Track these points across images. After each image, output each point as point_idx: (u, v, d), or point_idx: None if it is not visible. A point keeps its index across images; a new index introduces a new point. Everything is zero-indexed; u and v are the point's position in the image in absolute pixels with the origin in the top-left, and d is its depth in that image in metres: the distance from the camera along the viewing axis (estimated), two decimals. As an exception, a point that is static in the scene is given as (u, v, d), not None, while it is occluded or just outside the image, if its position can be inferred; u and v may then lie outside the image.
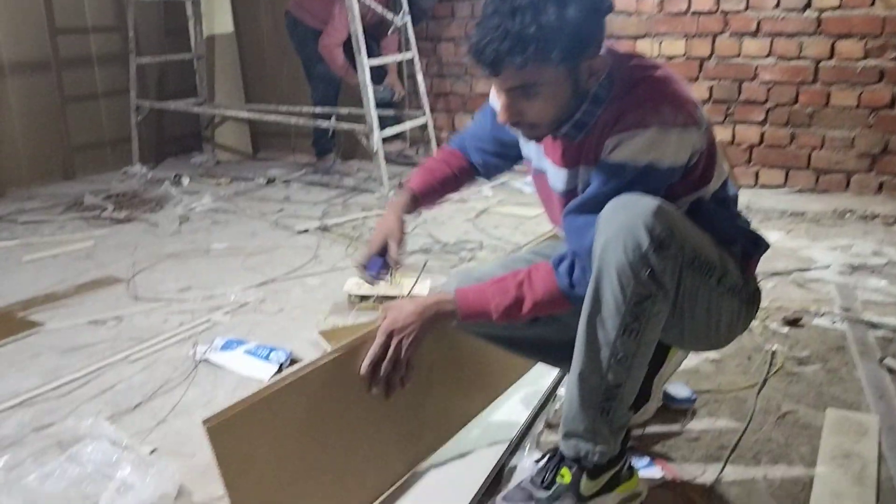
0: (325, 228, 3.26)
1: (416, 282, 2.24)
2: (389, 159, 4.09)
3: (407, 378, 1.31)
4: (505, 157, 1.57)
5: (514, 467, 1.49)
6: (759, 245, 1.38)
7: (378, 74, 4.02)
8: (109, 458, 1.54)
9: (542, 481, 1.33)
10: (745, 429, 1.61)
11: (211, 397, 1.83)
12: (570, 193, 1.33)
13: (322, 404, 1.22)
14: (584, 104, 1.26)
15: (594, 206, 1.22)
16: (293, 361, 2.00)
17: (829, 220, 3.11)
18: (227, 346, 2.05)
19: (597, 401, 1.26)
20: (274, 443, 1.14)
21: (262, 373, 1.93)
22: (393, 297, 2.29)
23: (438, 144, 4.19)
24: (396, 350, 1.28)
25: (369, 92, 3.72)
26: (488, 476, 1.42)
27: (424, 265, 2.30)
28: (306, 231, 3.24)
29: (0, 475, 1.48)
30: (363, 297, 2.35)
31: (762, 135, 3.54)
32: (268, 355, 1.98)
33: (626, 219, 1.17)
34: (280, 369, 1.96)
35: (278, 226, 3.36)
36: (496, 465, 1.46)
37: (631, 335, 1.21)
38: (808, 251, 2.74)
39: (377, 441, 1.34)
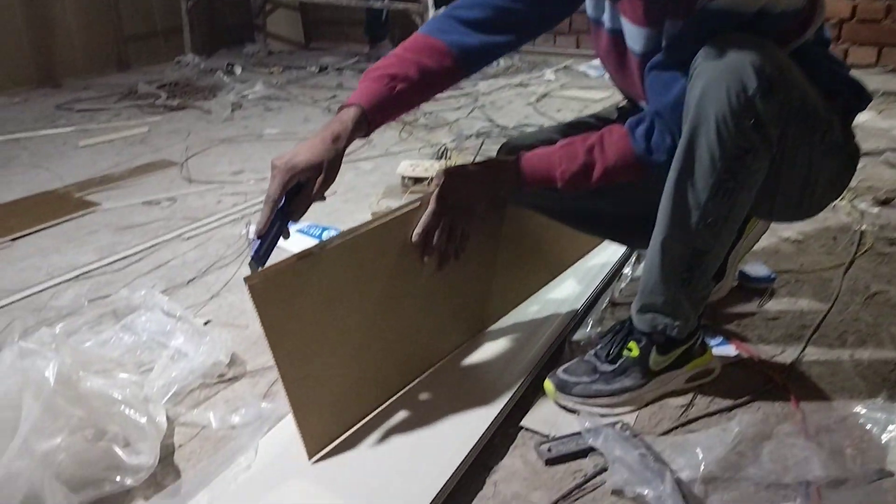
0: (379, 114, 3.15)
1: (473, 160, 2.13)
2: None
3: (461, 249, 1.22)
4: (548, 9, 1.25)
5: (577, 342, 1.42)
6: (863, 98, 1.21)
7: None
8: (163, 327, 1.52)
9: (608, 355, 1.25)
10: (830, 309, 1.49)
11: (264, 273, 1.79)
12: (650, 55, 1.18)
13: (371, 270, 1.14)
14: None
15: (685, 60, 1.07)
16: (347, 240, 1.94)
17: (925, 100, 2.85)
18: (279, 225, 2.00)
19: (679, 270, 1.16)
20: (320, 304, 1.08)
21: (315, 250, 1.88)
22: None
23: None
24: (451, 218, 1.18)
25: (424, -31, 3.51)
26: (548, 349, 1.35)
27: (481, 146, 2.19)
28: (360, 116, 3.13)
29: (57, 340, 1.47)
30: (417, 180, 2.25)
31: (854, 8, 3.21)
32: (320, 234, 1.93)
33: (730, 59, 1.02)
34: (333, 247, 1.90)
35: (330, 112, 3.26)
36: (557, 338, 1.38)
37: (724, 196, 1.08)
38: (902, 132, 2.51)
39: (430, 312, 1.27)
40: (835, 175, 1.19)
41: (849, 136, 1.20)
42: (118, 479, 1.07)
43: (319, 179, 1.07)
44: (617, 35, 1.24)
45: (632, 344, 1.24)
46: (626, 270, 1.68)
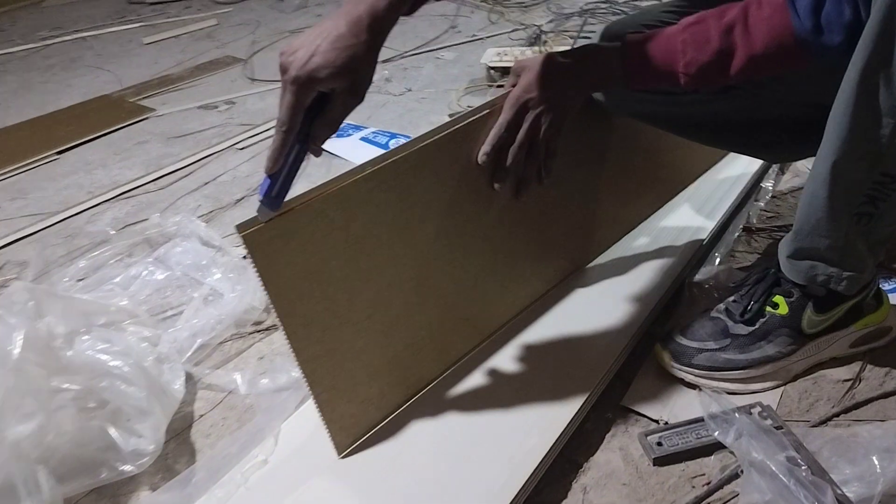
0: (465, -7, 2.76)
1: (573, 43, 1.76)
2: None
3: (546, 171, 0.90)
4: None
5: (699, 285, 1.09)
6: None
7: None
8: (199, 260, 1.30)
9: (744, 312, 0.92)
10: None
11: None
12: None
13: (422, 203, 0.85)
14: None
15: None
16: (417, 148, 1.64)
17: None
18: (341, 132, 1.72)
19: (856, 203, 0.80)
20: (350, 255, 0.80)
21: (380, 162, 1.60)
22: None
23: None
24: (532, 129, 0.86)
25: None
26: (660, 299, 1.03)
27: (582, 27, 1.81)
28: (443, -2, 2.76)
29: (81, 274, 1.29)
30: (505, 71, 1.90)
31: None
32: (387, 142, 1.64)
33: None
34: (401, 157, 1.61)
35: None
36: (673, 282, 1.06)
37: None
38: None
39: (501, 257, 0.97)
40: None
41: None
42: (116, 464, 0.87)
43: (344, 88, 0.71)
44: None
45: (778, 298, 0.91)
46: (766, 184, 1.31)
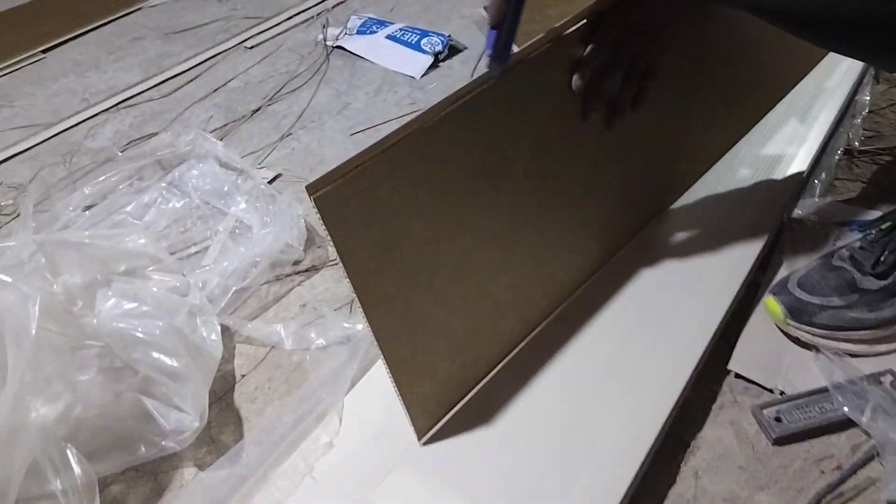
0: None
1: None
2: None
3: (644, 94, 0.76)
4: None
5: (799, 220, 0.96)
6: None
7: None
8: (220, 185, 1.15)
9: (876, 263, 0.79)
10: None
11: (346, 101, 1.36)
12: None
13: (509, 140, 0.70)
14: None
15: None
16: (452, 50, 1.46)
17: None
18: (364, 29, 1.53)
19: None
20: (430, 210, 0.65)
21: (411, 65, 1.42)
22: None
23: None
24: (638, 52, 0.72)
25: None
26: (767, 239, 0.90)
27: None
28: None
29: (88, 201, 1.14)
30: (545, -46, 1.68)
31: None
32: (418, 42, 1.45)
33: None
34: (436, 62, 1.43)
35: None
36: (776, 222, 0.92)
37: None
38: None
39: (590, 198, 0.82)
40: None
41: None
42: (156, 439, 0.77)
43: None
44: None
45: (917, 248, 0.78)
46: (863, 97, 1.15)
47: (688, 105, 0.91)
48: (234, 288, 0.96)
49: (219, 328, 0.89)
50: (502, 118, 0.68)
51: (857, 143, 1.07)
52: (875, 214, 0.97)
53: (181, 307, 0.87)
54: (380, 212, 0.60)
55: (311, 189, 0.57)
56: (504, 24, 0.68)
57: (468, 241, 0.69)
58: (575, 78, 0.72)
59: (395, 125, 1.28)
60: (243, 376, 0.88)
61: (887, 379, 0.75)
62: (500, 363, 0.77)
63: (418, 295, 0.65)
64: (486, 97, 0.66)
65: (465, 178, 0.67)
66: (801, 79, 1.14)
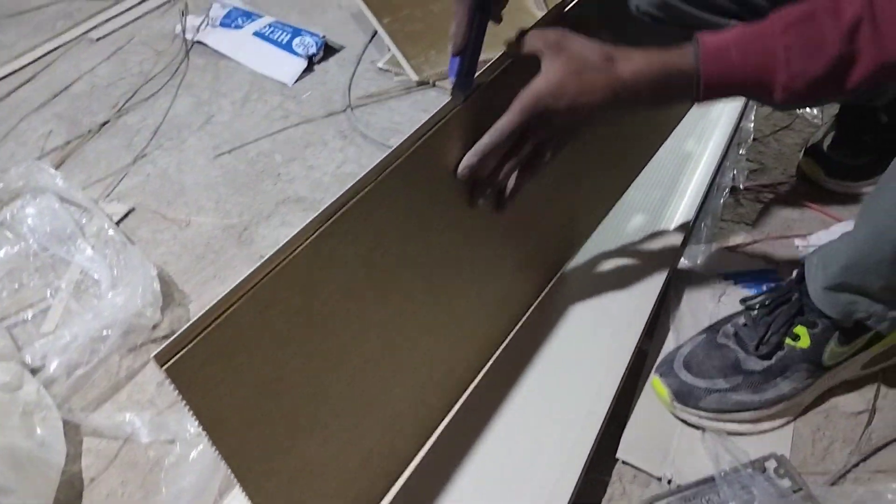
0: None
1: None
2: None
3: (532, 176, 0.69)
4: None
5: (687, 272, 0.94)
6: None
7: None
8: (61, 228, 1.01)
9: (759, 344, 0.78)
10: None
11: (210, 112, 1.23)
12: None
13: (396, 241, 0.61)
14: None
15: None
16: (328, 50, 1.34)
17: None
18: (229, 21, 1.37)
19: None
20: (314, 339, 0.56)
21: (282, 70, 1.29)
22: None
23: None
24: (540, 150, 0.65)
25: None
26: (654, 304, 0.87)
27: None
28: None
29: None
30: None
31: None
32: (290, 42, 1.31)
33: None
34: (310, 65, 1.31)
35: None
36: (662, 285, 0.89)
37: None
38: None
39: (484, 281, 0.76)
40: None
41: None
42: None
43: None
44: None
45: (800, 329, 0.77)
46: (748, 123, 1.13)
47: (576, 165, 0.85)
48: (78, 370, 0.84)
49: (61, 424, 0.78)
50: (383, 221, 0.60)
51: (741, 180, 1.05)
52: (758, 263, 0.97)
53: (13, 408, 0.76)
54: (247, 365, 0.52)
55: (161, 358, 0.47)
56: (467, 51, 0.66)
57: (356, 362, 0.61)
58: (462, 166, 0.65)
59: (265, 144, 1.18)
60: (92, 480, 0.78)
61: (771, 465, 0.75)
62: (398, 477, 0.71)
63: (301, 441, 0.58)
64: (371, 200, 0.57)
65: (347, 296, 0.58)
66: (686, 113, 1.11)
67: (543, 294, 0.88)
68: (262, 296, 0.52)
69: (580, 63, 0.61)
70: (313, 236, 0.54)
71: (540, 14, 0.99)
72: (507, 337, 0.83)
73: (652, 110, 0.67)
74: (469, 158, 0.64)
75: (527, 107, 0.61)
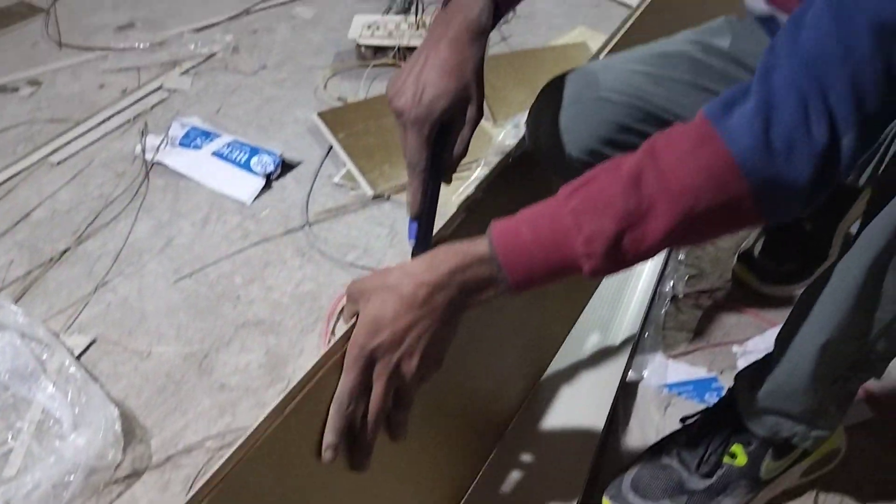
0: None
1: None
2: None
3: (398, 424, 0.63)
4: None
5: (636, 384, 0.98)
6: None
7: None
8: (21, 365, 1.03)
9: (700, 463, 0.82)
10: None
11: (170, 235, 1.26)
12: None
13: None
14: None
15: None
16: (286, 167, 1.38)
17: None
18: (188, 141, 1.42)
19: (838, 373, 0.72)
20: None
21: (241, 189, 1.33)
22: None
23: None
24: (386, 390, 0.59)
25: None
26: (602, 429, 0.91)
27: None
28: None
29: None
30: (378, 50, 1.63)
31: None
32: (248, 161, 1.36)
33: None
34: (268, 183, 1.35)
35: None
36: (610, 409, 0.93)
37: None
38: None
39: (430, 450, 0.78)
40: None
41: None
42: None
43: (470, 111, 0.70)
44: None
45: (736, 448, 0.82)
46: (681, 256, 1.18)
47: (522, 316, 0.90)
48: (40, 521, 0.85)
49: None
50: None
51: (681, 288, 1.11)
52: (700, 371, 1.02)
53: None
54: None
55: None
56: (423, 215, 0.71)
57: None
58: (324, 448, 0.59)
59: (225, 265, 1.21)
60: None
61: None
62: None
63: None
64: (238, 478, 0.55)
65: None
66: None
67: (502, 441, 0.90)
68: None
69: (385, 291, 0.59)
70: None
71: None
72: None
73: (474, 305, 0.60)
74: (328, 439, 0.59)
75: (355, 358, 0.58)
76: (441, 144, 0.70)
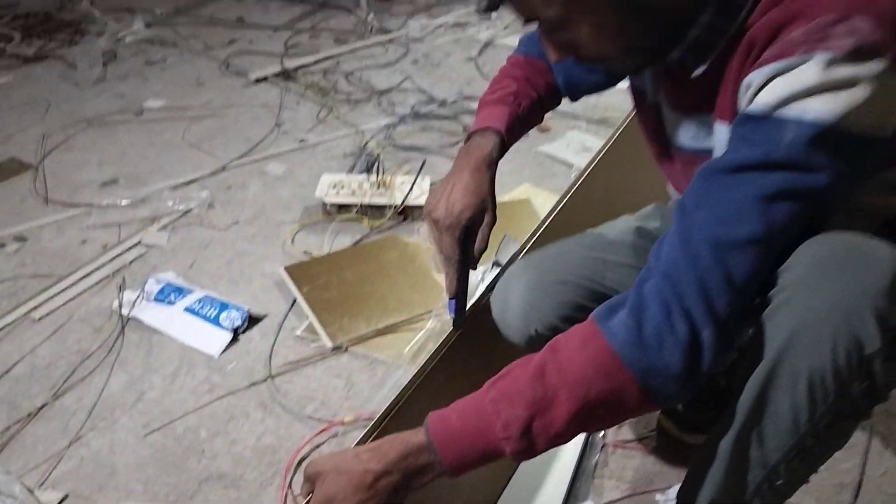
0: (288, 75, 2.58)
1: (411, 186, 1.74)
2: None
3: None
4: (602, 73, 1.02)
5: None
6: None
7: None
8: (-4, 524, 1.10)
9: None
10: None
11: (141, 389, 1.36)
12: (699, 155, 0.78)
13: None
14: (705, 13, 0.69)
15: (728, 207, 0.65)
16: (252, 320, 1.50)
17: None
18: (162, 297, 1.53)
19: None
20: None
21: (210, 343, 1.44)
22: (381, 207, 1.76)
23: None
24: None
25: None
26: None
27: (422, 166, 1.75)
28: (265, 80, 2.57)
29: None
30: (342, 207, 1.79)
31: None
32: (217, 316, 1.48)
33: (840, 295, 0.64)
34: (235, 336, 1.47)
35: (229, 70, 2.68)
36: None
37: (804, 459, 0.74)
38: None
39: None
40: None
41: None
42: None
43: (487, 217, 0.96)
44: (653, 110, 0.87)
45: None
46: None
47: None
48: None
49: None
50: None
51: (611, 437, 1.22)
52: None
53: None
54: None
55: None
56: (459, 295, 0.96)
57: None
58: None
59: (192, 419, 1.30)
60: None
61: None
62: None
63: None
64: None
65: None
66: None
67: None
68: None
69: (337, 475, 0.69)
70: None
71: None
72: None
73: (417, 487, 0.70)
74: None
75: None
76: (467, 242, 0.95)
